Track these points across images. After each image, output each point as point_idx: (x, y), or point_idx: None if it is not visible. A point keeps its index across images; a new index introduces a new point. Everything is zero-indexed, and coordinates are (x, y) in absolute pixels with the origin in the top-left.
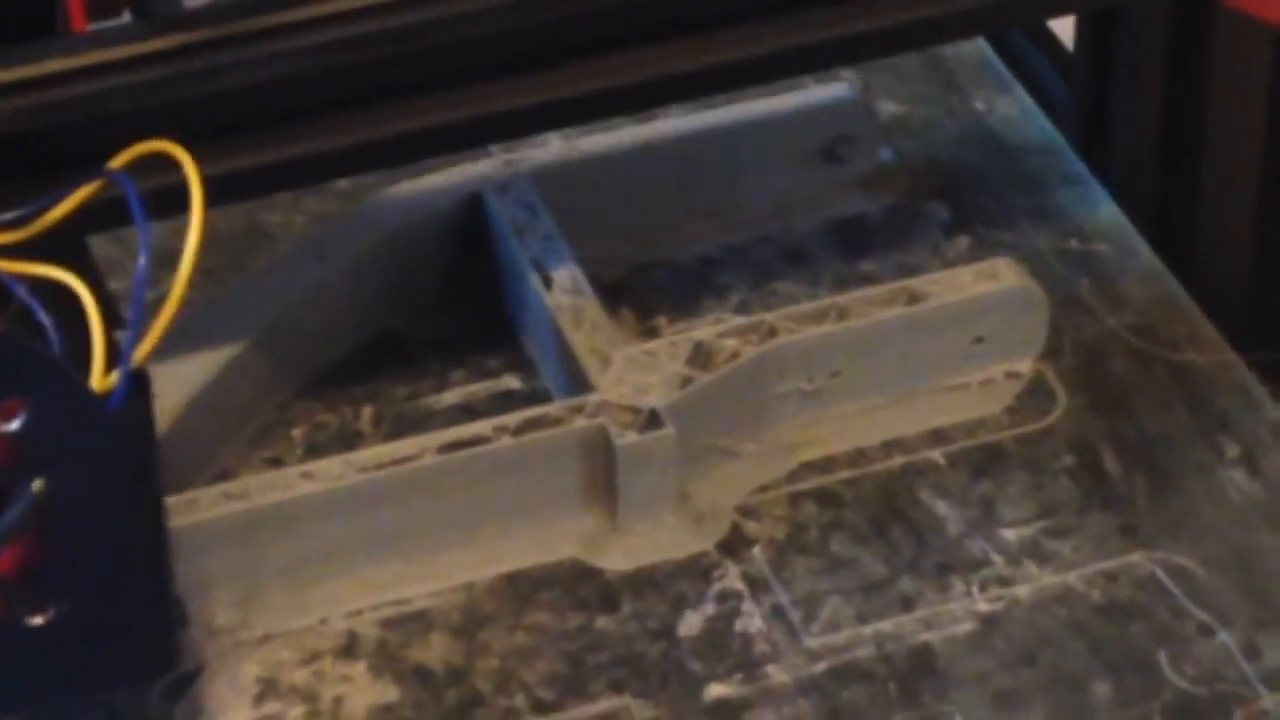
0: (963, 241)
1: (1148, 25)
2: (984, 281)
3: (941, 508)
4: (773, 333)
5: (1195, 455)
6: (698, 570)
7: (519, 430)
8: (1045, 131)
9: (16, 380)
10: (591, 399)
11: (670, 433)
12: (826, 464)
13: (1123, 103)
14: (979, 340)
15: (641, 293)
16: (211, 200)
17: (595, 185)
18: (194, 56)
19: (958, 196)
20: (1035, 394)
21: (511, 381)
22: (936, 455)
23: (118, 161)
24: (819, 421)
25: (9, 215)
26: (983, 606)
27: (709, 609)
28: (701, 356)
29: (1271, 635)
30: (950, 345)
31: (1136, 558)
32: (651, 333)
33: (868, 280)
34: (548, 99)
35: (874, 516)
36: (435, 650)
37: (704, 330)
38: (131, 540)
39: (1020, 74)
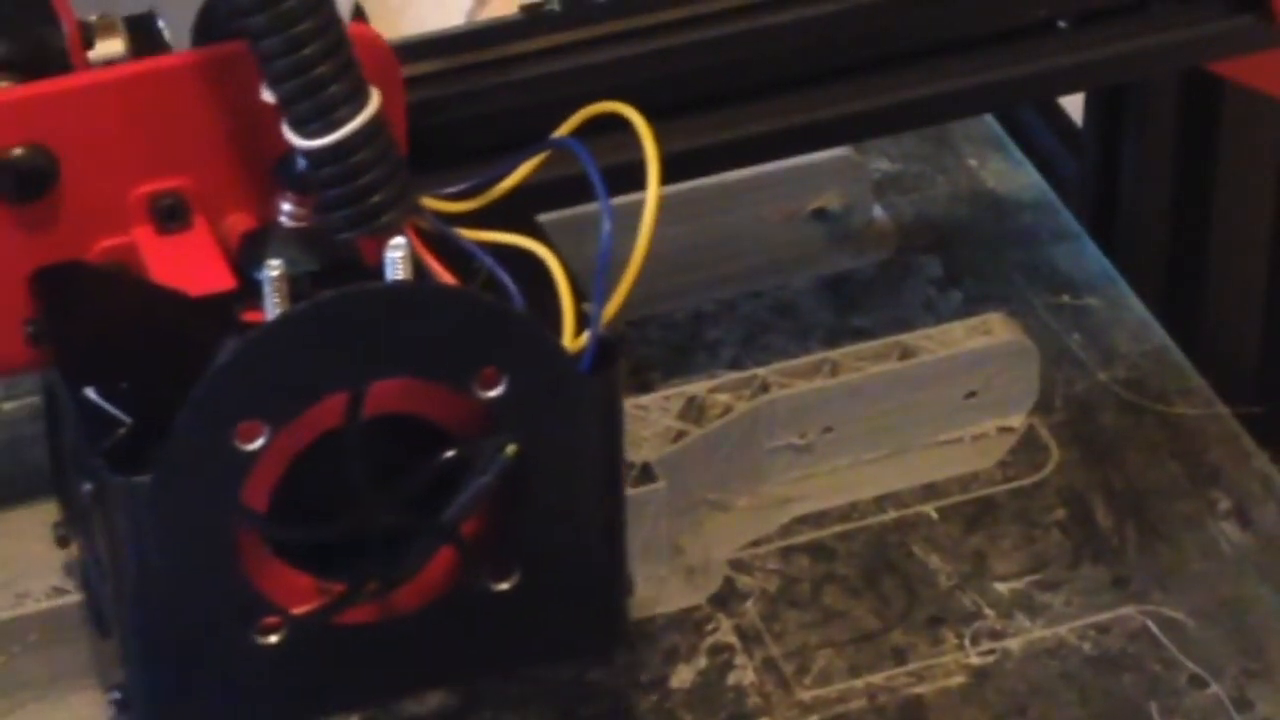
0: (955, 296)
1: (1157, 102)
2: (977, 336)
3: (934, 561)
4: (765, 387)
5: (1186, 508)
6: (690, 623)
7: None
8: (1037, 187)
9: (493, 345)
10: None
11: (663, 486)
12: (819, 518)
13: (1132, 178)
14: (972, 395)
15: (634, 347)
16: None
17: (589, 241)
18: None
19: (950, 252)
20: (1027, 448)
21: None
22: (929, 509)
23: (567, 127)
24: (811, 476)
25: (461, 186)
26: (974, 659)
27: (701, 662)
28: (694, 411)
29: (1263, 687)
30: (943, 400)
31: (1128, 610)
32: (644, 387)
33: (860, 335)
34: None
35: (866, 570)
36: (429, 702)
37: (697, 385)
38: (594, 507)
39: (1028, 148)
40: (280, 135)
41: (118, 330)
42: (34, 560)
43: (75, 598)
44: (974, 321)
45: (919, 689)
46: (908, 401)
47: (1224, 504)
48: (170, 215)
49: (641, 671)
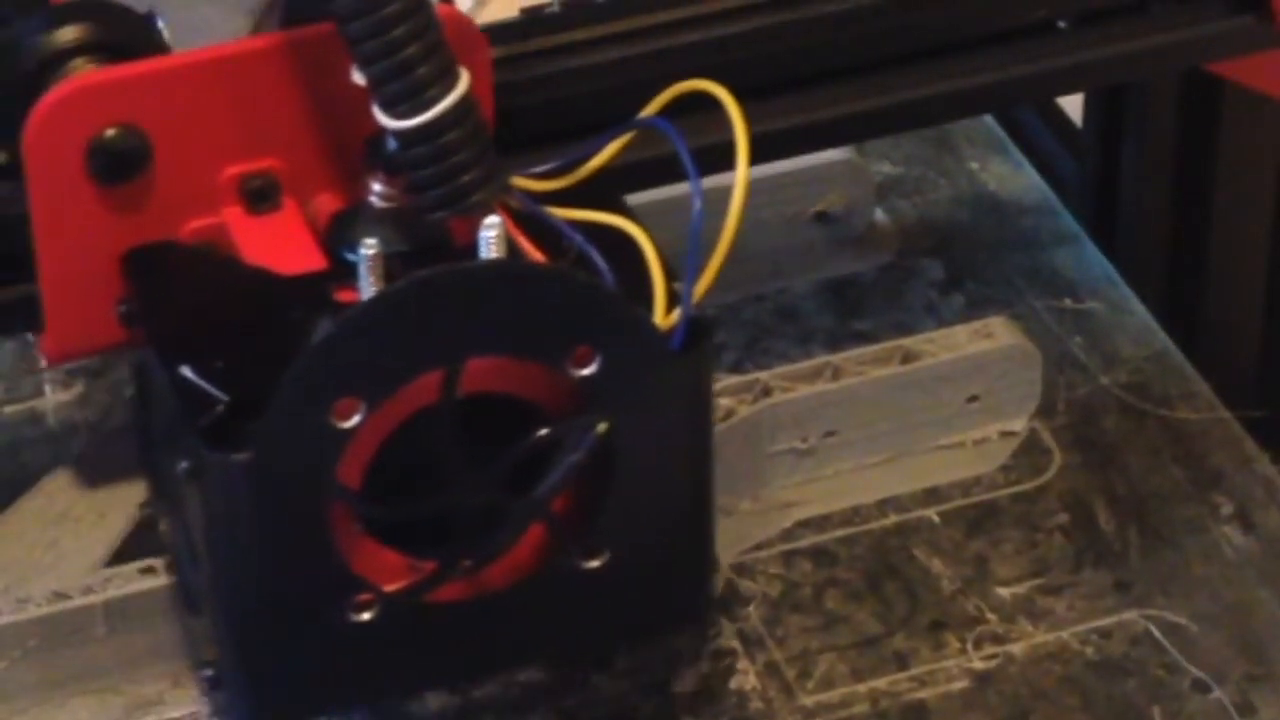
0: (956, 300)
1: (1157, 101)
2: (979, 340)
3: (936, 565)
4: (767, 391)
5: (1189, 512)
6: None
7: None
8: (1038, 190)
9: (586, 323)
10: None
11: None
12: (821, 522)
13: (1131, 179)
14: (973, 399)
15: None
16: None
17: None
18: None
19: (951, 255)
20: (1029, 452)
21: None
22: (931, 513)
23: (653, 107)
24: (814, 480)
25: (549, 165)
26: (977, 664)
27: (704, 666)
28: None
29: (1266, 691)
30: (945, 404)
31: (1130, 614)
32: None
33: (862, 339)
34: None
35: (868, 574)
36: (431, 705)
37: None
38: (682, 484)
39: (1028, 149)
40: (369, 116)
41: (210, 310)
42: (34, 565)
43: (75, 602)
44: (976, 325)
45: (921, 694)
46: (909, 405)
47: (1226, 508)
48: (260, 196)
49: (644, 675)
